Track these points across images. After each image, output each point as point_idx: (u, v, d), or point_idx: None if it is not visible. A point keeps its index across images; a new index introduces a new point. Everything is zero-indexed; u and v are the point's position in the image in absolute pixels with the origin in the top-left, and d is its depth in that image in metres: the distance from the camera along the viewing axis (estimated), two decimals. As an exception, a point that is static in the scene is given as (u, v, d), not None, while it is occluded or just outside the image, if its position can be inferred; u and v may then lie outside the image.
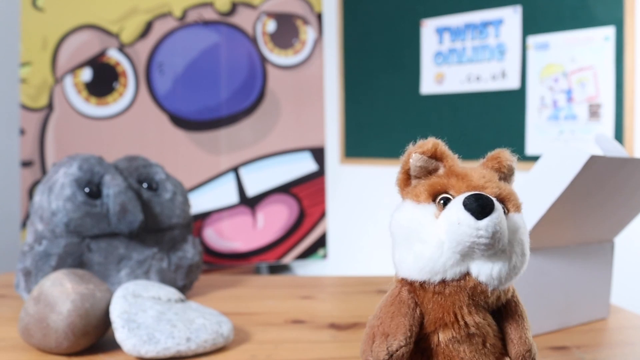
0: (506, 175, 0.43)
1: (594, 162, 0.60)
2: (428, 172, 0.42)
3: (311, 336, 0.70)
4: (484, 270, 0.38)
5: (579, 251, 0.72)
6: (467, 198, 0.37)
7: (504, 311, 0.42)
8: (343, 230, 2.36)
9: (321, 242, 1.37)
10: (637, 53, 1.68)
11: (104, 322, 0.63)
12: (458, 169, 0.41)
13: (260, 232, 1.34)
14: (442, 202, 0.40)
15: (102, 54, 1.27)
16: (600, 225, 0.72)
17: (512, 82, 1.94)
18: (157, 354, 0.60)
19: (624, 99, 1.70)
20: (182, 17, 1.31)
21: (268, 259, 1.34)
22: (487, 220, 0.36)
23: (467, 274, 0.38)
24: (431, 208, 0.40)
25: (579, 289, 0.73)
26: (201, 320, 0.64)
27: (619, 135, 1.71)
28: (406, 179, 0.42)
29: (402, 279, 0.41)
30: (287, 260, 1.36)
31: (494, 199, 0.38)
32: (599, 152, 0.67)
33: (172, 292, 0.69)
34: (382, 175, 2.28)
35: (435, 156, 0.41)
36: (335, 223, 2.31)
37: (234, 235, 1.32)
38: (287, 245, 1.35)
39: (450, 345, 0.40)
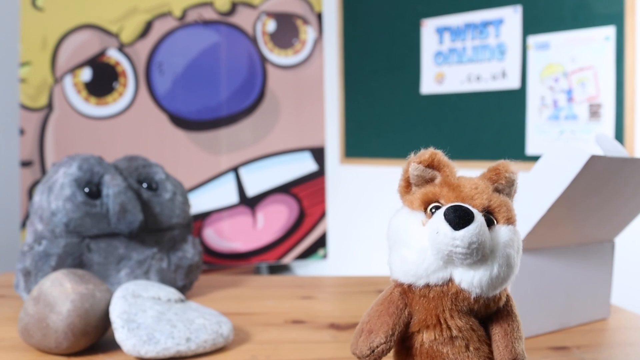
0: (504, 187, 0.43)
1: (594, 162, 0.60)
2: (425, 181, 0.43)
3: (311, 336, 0.70)
4: (465, 278, 0.40)
5: (580, 251, 0.72)
6: (447, 209, 0.39)
7: (495, 318, 0.43)
8: (343, 230, 2.36)
9: (321, 242, 1.37)
10: (638, 53, 1.68)
11: (104, 322, 0.63)
12: (452, 180, 0.43)
13: (260, 232, 1.34)
14: (432, 210, 0.41)
15: (101, 53, 1.27)
16: (601, 225, 0.72)
17: (512, 82, 1.94)
18: (156, 354, 0.60)
19: (624, 99, 1.70)
20: (182, 17, 1.31)
21: (268, 259, 1.34)
22: (463, 231, 0.38)
23: (450, 280, 0.40)
24: (420, 215, 0.42)
25: (580, 289, 0.73)
26: (201, 320, 0.64)
27: (619, 135, 1.71)
28: (406, 186, 0.44)
29: (396, 280, 0.43)
30: (287, 260, 1.36)
31: (476, 211, 0.39)
32: (599, 152, 0.67)
33: (172, 292, 0.69)
34: (382, 175, 2.28)
35: (433, 166, 0.43)
36: (335, 223, 2.31)
37: (233, 235, 1.32)
38: (287, 246, 1.35)
39: (434, 346, 0.42)
